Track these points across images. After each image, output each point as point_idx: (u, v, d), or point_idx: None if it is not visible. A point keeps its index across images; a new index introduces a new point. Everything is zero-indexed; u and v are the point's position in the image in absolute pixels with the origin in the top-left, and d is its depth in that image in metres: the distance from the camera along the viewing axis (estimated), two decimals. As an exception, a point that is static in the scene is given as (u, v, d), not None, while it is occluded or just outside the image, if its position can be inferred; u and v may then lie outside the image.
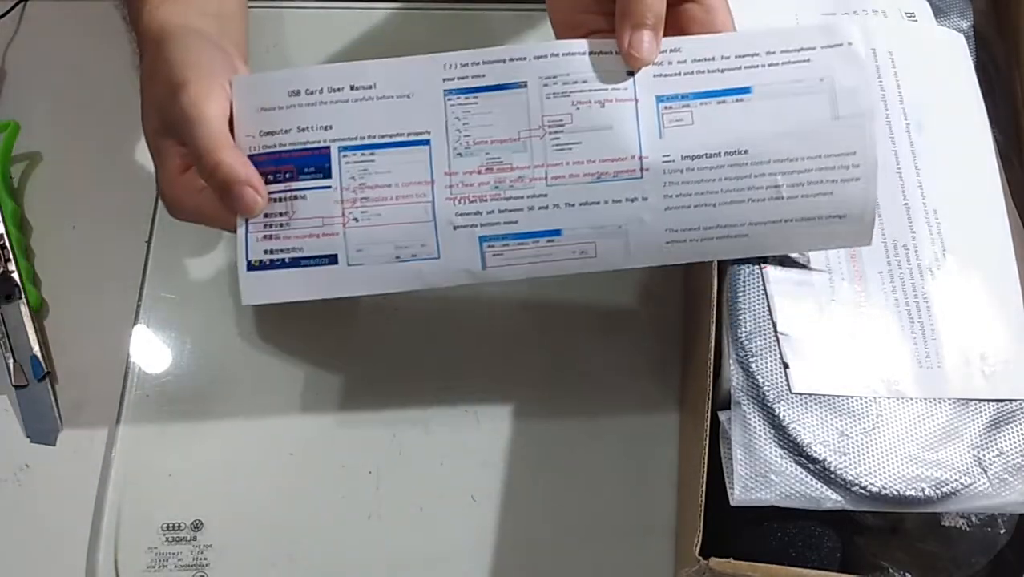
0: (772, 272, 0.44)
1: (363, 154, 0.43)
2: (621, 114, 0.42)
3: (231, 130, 0.43)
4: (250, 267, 0.44)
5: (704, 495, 0.40)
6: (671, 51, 0.42)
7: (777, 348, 0.43)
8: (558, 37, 0.47)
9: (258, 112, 0.44)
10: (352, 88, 0.43)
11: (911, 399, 0.42)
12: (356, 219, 0.43)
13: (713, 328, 0.43)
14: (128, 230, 0.58)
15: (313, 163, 0.43)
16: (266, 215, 0.43)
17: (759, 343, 0.43)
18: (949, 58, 0.51)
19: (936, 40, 0.51)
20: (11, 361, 0.54)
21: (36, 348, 0.54)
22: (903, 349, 0.43)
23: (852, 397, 0.42)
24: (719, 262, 0.44)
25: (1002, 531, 0.42)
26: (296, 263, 0.43)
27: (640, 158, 0.42)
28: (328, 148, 0.43)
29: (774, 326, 0.43)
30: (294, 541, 0.50)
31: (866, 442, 0.41)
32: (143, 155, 0.46)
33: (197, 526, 0.50)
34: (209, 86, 0.43)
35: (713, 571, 0.38)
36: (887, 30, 0.50)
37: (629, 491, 0.51)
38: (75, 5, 0.65)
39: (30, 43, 0.64)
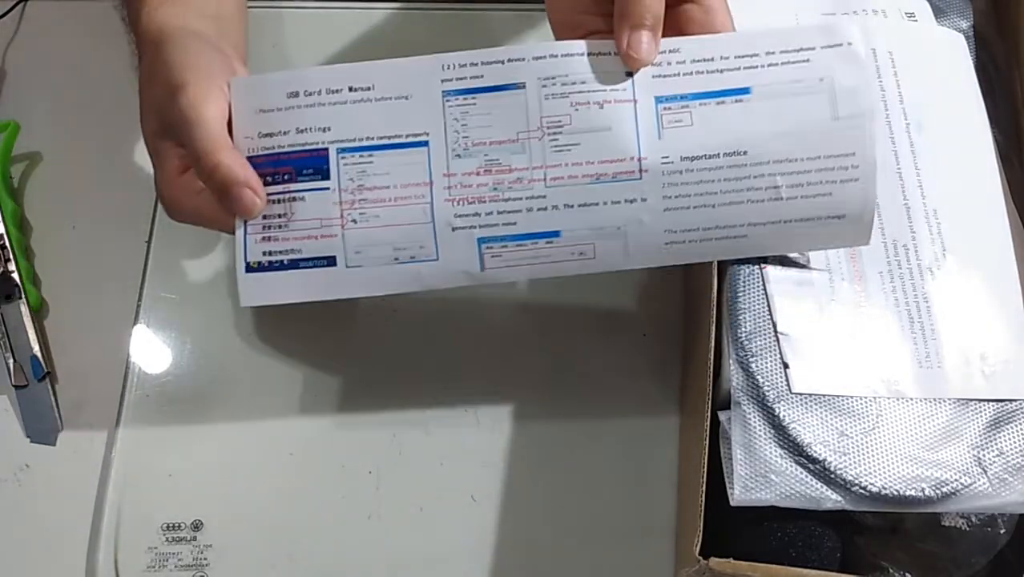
0: (772, 272, 0.44)
1: (361, 155, 0.43)
2: (620, 115, 0.42)
3: (230, 132, 0.43)
4: (249, 269, 0.44)
5: (704, 495, 0.40)
6: (670, 52, 0.42)
7: (777, 348, 0.43)
8: (557, 38, 0.47)
9: (256, 114, 0.44)
10: (350, 89, 0.43)
11: (911, 399, 0.42)
12: (355, 221, 0.43)
13: (713, 328, 0.43)
14: (128, 230, 0.58)
15: (312, 165, 0.43)
16: (265, 217, 0.43)
17: (759, 343, 0.43)
18: (949, 58, 0.51)
19: (936, 40, 0.51)
20: (11, 361, 0.54)
21: (36, 348, 0.54)
22: (903, 349, 0.43)
23: (852, 397, 0.42)
24: (719, 262, 0.44)
25: (1002, 531, 0.42)
26: (295, 265, 0.43)
27: (639, 159, 0.42)
28: (326, 150, 0.43)
29: (774, 326, 0.43)
30: (294, 541, 0.50)
31: (866, 442, 0.41)
32: (143, 155, 0.46)
33: (197, 526, 0.50)
34: (208, 88, 0.43)
35: (713, 571, 0.38)
36: (887, 30, 0.50)
37: (629, 491, 0.51)
38: (75, 5, 0.65)
39: (30, 43, 0.64)
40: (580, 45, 0.43)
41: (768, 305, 0.44)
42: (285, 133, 0.44)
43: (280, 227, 0.43)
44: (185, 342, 0.55)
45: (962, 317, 0.44)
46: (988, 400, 0.42)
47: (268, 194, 0.43)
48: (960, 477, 0.40)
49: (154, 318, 0.55)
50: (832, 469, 0.40)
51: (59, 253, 0.58)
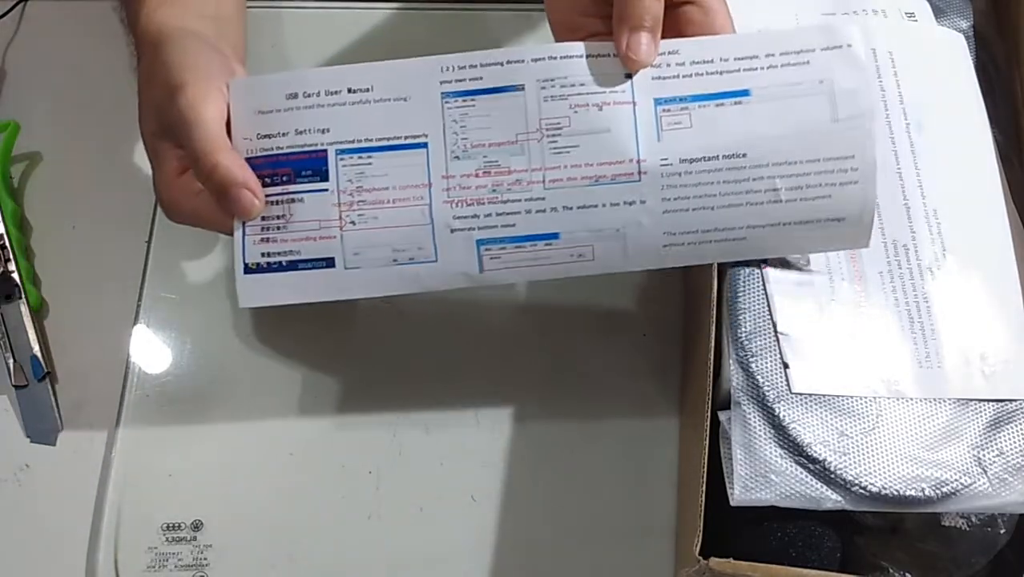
0: (772, 272, 0.44)
1: (360, 157, 0.43)
2: (619, 117, 0.42)
3: (228, 133, 0.43)
4: (247, 270, 0.44)
5: (704, 495, 0.40)
6: (669, 53, 0.42)
7: (777, 348, 0.43)
8: (557, 39, 0.47)
9: (255, 115, 0.44)
10: (349, 91, 0.43)
11: (911, 399, 0.42)
12: (353, 222, 0.43)
13: (713, 328, 0.43)
14: (128, 230, 0.57)
15: (310, 166, 0.43)
16: (263, 218, 0.43)
17: (759, 343, 0.43)
18: (949, 58, 0.51)
19: (936, 40, 0.51)
20: (11, 361, 0.54)
21: (36, 348, 0.54)
22: (903, 349, 0.43)
23: (852, 397, 0.42)
24: (719, 262, 0.44)
25: (1002, 531, 0.42)
26: (293, 266, 0.43)
27: (638, 161, 0.42)
28: (325, 151, 0.43)
29: (774, 326, 0.43)
30: (294, 541, 0.50)
31: (866, 442, 0.41)
32: (143, 156, 0.46)
33: (197, 526, 0.50)
34: (206, 89, 0.43)
35: (713, 571, 0.38)
36: (887, 30, 0.50)
37: (629, 491, 0.51)
38: (75, 5, 0.65)
39: (30, 43, 0.64)
40: (579, 47, 0.43)
41: (768, 305, 0.44)
42: (284, 134, 0.44)
43: (279, 228, 0.43)
44: (185, 342, 0.55)
45: (962, 317, 0.44)
46: (988, 400, 0.42)
47: (267, 195, 0.43)
48: (960, 477, 0.40)
49: (154, 318, 0.55)
50: (832, 469, 0.40)
51: (59, 253, 0.58)
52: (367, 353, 0.54)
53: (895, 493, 0.40)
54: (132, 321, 0.55)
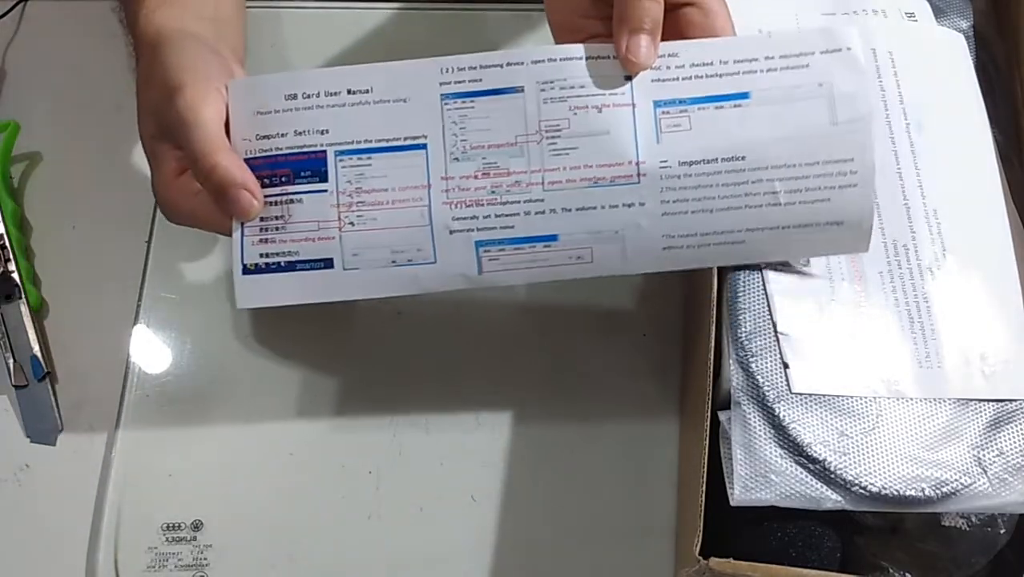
0: (772, 272, 0.44)
1: (360, 158, 0.43)
2: (618, 119, 0.42)
3: (227, 134, 0.43)
4: (245, 271, 0.44)
5: (704, 495, 0.40)
6: (669, 56, 0.42)
7: (777, 348, 0.43)
8: (557, 41, 0.47)
9: (254, 116, 0.44)
10: (349, 92, 0.43)
11: (911, 399, 0.42)
12: (352, 223, 0.43)
13: (713, 328, 0.43)
14: (128, 230, 0.58)
15: (309, 167, 0.43)
16: (262, 219, 0.43)
17: (759, 343, 0.43)
18: (949, 58, 0.51)
19: (936, 40, 0.51)
20: (11, 361, 0.54)
21: (36, 348, 0.54)
22: (903, 349, 0.43)
23: (852, 397, 0.42)
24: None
25: (1002, 531, 0.42)
26: (292, 267, 0.43)
27: (637, 163, 0.42)
28: (324, 152, 0.43)
29: (774, 326, 0.43)
30: (294, 541, 0.50)
31: (866, 442, 0.41)
32: (143, 156, 0.46)
33: (197, 526, 0.50)
34: (205, 90, 0.43)
35: (713, 571, 0.38)
36: (887, 30, 0.50)
37: (629, 491, 0.51)
38: (75, 5, 0.65)
39: (30, 43, 0.64)
40: (579, 49, 0.42)
41: (768, 305, 0.44)
42: (283, 135, 0.44)
43: (277, 229, 0.43)
44: (185, 342, 0.55)
45: (962, 317, 0.44)
46: (988, 400, 0.42)
47: (265, 196, 0.43)
48: (960, 477, 0.40)
49: (154, 318, 0.55)
50: (832, 469, 0.40)
51: (59, 253, 0.58)
52: (367, 353, 0.54)
53: (895, 493, 0.40)
54: (132, 321, 0.55)
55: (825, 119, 0.41)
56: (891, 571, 0.43)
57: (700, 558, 0.38)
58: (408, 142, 0.43)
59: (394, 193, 0.43)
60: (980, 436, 0.41)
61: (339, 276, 0.43)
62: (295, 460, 0.52)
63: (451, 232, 0.43)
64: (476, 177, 0.43)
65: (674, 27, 0.43)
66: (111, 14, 0.63)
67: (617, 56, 0.42)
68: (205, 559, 0.50)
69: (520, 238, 0.43)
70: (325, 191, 0.43)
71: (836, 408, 0.41)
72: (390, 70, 0.43)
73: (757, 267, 0.44)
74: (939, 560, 0.43)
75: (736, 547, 0.39)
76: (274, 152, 0.43)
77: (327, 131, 0.43)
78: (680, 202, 0.42)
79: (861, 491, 0.40)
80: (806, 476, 0.40)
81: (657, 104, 0.42)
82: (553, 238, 0.43)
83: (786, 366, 0.42)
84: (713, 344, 0.43)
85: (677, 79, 0.42)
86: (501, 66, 0.43)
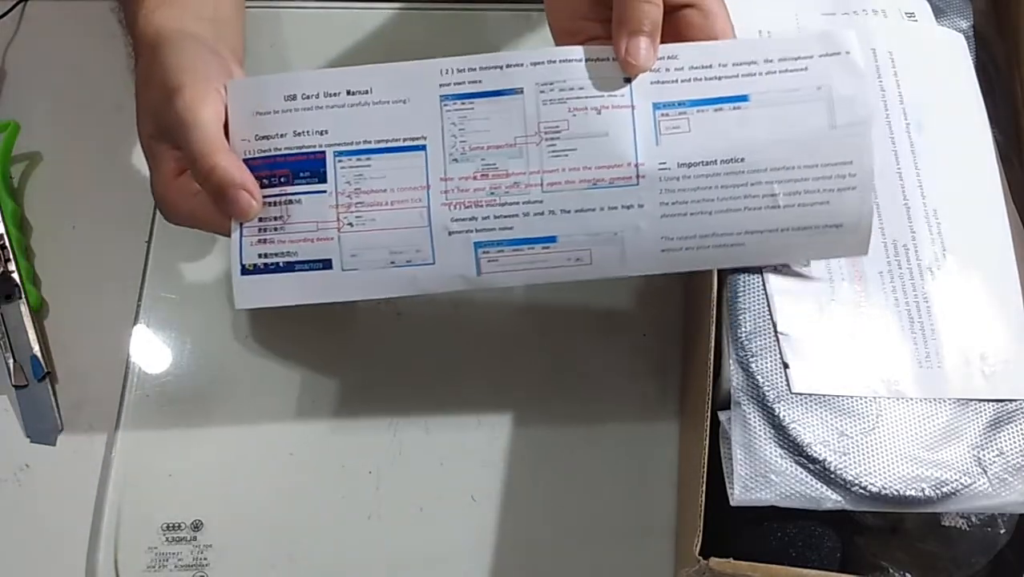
0: (772, 272, 0.44)
1: (359, 159, 0.43)
2: (617, 121, 0.42)
3: (226, 134, 0.43)
4: (244, 271, 0.44)
5: (704, 495, 0.40)
6: (668, 58, 0.42)
7: (777, 348, 0.43)
8: (557, 43, 0.47)
9: (253, 116, 0.44)
10: (348, 93, 0.43)
11: (911, 399, 0.42)
12: (351, 224, 0.43)
13: (713, 328, 0.43)
14: (128, 230, 0.58)
15: (308, 168, 0.43)
16: (261, 219, 0.43)
17: (759, 343, 0.43)
18: (949, 58, 0.51)
19: (936, 40, 0.51)
20: (11, 361, 0.54)
21: (36, 348, 0.54)
22: (903, 349, 0.43)
23: (852, 397, 0.42)
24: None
25: (1002, 531, 0.42)
26: (290, 267, 0.43)
27: (636, 165, 0.42)
28: (324, 153, 0.43)
29: (774, 326, 0.43)
30: (294, 541, 0.50)
31: (866, 442, 0.41)
32: (143, 156, 0.46)
33: (197, 526, 0.50)
34: (204, 90, 0.43)
35: (713, 571, 0.38)
36: (887, 30, 0.50)
37: (629, 491, 0.51)
38: (75, 5, 0.65)
39: (30, 43, 0.64)
40: (578, 51, 0.42)
41: (768, 305, 0.44)
42: (282, 136, 0.44)
43: (276, 230, 0.43)
44: (185, 342, 0.55)
45: (962, 317, 0.44)
46: (988, 400, 0.42)
47: (264, 197, 0.43)
48: (960, 477, 0.40)
49: (154, 318, 0.55)
50: (832, 469, 0.40)
51: (59, 253, 0.58)
52: (367, 353, 0.54)
53: (895, 493, 0.40)
54: (132, 321, 0.55)
55: (824, 122, 0.41)
56: (891, 571, 0.43)
57: (700, 558, 0.38)
58: (407, 143, 0.43)
59: (393, 194, 0.43)
60: (980, 436, 0.41)
61: (338, 277, 0.43)
62: (295, 460, 0.52)
63: (450, 233, 0.43)
64: (475, 178, 0.43)
65: (674, 29, 0.43)
66: (111, 14, 0.63)
67: (616, 58, 0.42)
68: (205, 559, 0.50)
69: (519, 239, 0.43)
70: (324, 192, 0.43)
71: (836, 408, 0.41)
72: (390, 71, 0.43)
73: (757, 267, 0.44)
74: (939, 560, 0.43)
75: (736, 547, 0.39)
76: (273, 153, 0.43)
77: (326, 132, 0.43)
78: (679, 204, 0.42)
79: (861, 491, 0.40)
80: (806, 476, 0.40)
81: (656, 106, 0.42)
82: (552, 239, 0.43)
83: (786, 366, 0.42)
84: (713, 344, 0.43)
85: (676, 81, 0.42)
86: (501, 68, 0.43)
